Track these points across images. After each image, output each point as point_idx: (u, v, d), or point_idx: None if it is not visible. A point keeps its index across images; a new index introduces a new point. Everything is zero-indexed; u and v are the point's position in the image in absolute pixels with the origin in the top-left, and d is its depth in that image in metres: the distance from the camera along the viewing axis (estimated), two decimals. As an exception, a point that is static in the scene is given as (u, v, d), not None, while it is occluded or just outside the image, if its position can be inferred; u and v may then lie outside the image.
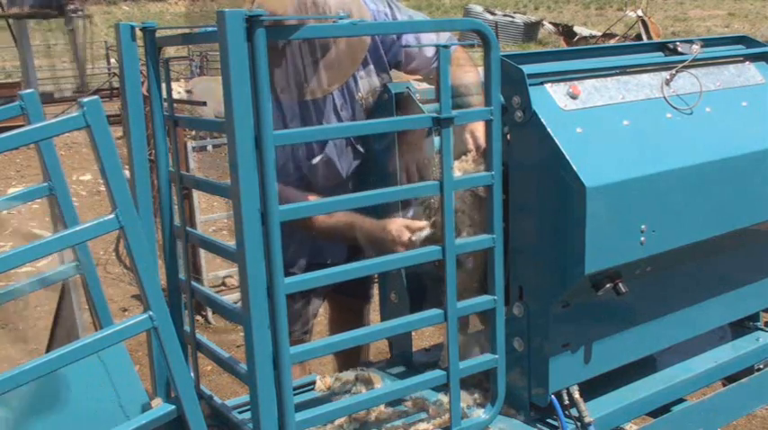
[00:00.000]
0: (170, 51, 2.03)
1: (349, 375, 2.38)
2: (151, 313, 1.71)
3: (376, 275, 2.74)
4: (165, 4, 44.54)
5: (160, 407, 1.84)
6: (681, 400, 2.49)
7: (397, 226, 2.29)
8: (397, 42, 2.52)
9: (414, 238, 2.25)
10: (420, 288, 2.48)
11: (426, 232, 2.25)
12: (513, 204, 2.15)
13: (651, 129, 2.21)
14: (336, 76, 2.38)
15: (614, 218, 2.02)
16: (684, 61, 2.37)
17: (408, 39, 2.52)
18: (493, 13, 31.11)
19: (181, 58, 18.66)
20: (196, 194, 5.38)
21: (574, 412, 2.22)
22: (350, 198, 1.97)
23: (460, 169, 2.19)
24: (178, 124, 2.02)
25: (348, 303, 3.11)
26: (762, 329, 2.81)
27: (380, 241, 2.31)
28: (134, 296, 6.17)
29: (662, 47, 2.57)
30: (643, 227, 2.08)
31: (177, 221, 2.08)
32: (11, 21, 3.87)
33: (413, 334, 2.61)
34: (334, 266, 1.88)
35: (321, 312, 3.19)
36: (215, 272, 6.01)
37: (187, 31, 1.99)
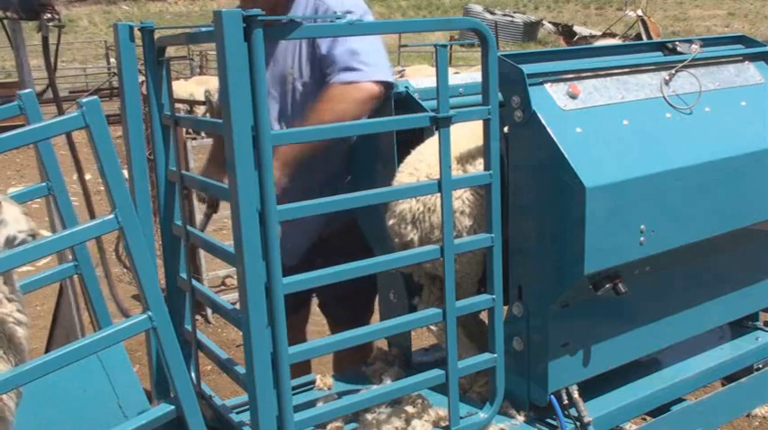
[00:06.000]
0: (170, 51, 2.03)
1: None
2: (150, 313, 1.71)
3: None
4: (165, 4, 44.49)
5: (159, 407, 1.84)
6: (680, 400, 2.49)
7: None
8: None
9: None
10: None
11: None
12: (513, 204, 2.15)
13: (651, 128, 2.21)
14: None
15: (614, 218, 2.02)
16: (684, 61, 2.37)
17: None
18: (492, 13, 31.11)
19: (180, 57, 18.65)
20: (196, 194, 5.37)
21: (573, 412, 2.22)
22: (349, 198, 1.97)
23: None
24: (178, 124, 2.02)
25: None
26: (761, 329, 2.81)
27: None
28: (134, 296, 6.16)
29: (661, 46, 2.56)
30: (642, 227, 2.08)
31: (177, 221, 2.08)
32: (5, 21, 3.86)
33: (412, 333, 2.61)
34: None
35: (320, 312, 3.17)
36: (215, 271, 6.00)
37: (186, 30, 1.98)
